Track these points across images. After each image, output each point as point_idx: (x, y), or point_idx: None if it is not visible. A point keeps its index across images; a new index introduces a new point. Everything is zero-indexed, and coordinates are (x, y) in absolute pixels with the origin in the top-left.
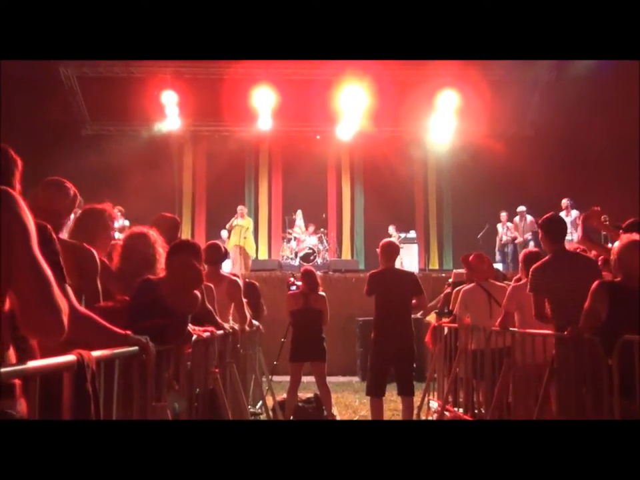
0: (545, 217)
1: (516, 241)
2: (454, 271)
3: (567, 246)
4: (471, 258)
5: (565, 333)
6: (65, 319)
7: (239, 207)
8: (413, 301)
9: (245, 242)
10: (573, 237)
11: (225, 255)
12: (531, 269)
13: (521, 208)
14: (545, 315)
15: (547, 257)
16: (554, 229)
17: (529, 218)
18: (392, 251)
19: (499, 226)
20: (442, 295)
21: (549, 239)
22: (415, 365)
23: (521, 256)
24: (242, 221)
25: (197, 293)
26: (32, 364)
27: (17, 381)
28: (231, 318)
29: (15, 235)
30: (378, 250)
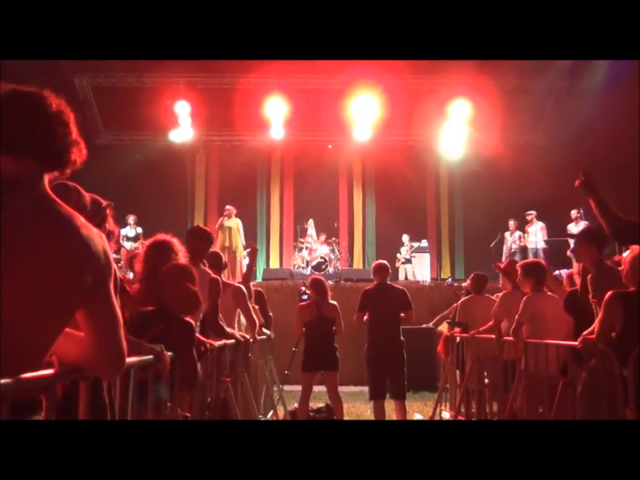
0: (585, 228)
1: (529, 246)
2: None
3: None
4: (503, 265)
5: (577, 343)
6: (125, 364)
7: (228, 207)
8: (402, 314)
9: (234, 244)
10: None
11: (226, 264)
12: (588, 278)
13: (531, 213)
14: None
15: (596, 268)
16: (600, 240)
17: (540, 224)
18: (381, 269)
19: (507, 234)
20: (455, 305)
21: (596, 249)
22: (405, 370)
23: (521, 266)
24: (230, 222)
25: (191, 319)
26: (49, 373)
27: (42, 397)
28: (242, 326)
29: (101, 278)
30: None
